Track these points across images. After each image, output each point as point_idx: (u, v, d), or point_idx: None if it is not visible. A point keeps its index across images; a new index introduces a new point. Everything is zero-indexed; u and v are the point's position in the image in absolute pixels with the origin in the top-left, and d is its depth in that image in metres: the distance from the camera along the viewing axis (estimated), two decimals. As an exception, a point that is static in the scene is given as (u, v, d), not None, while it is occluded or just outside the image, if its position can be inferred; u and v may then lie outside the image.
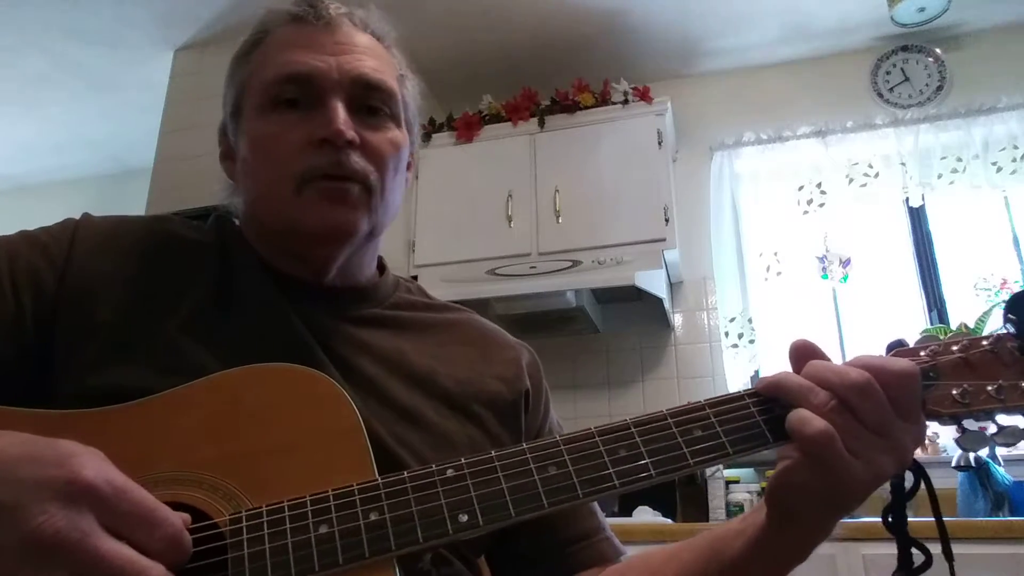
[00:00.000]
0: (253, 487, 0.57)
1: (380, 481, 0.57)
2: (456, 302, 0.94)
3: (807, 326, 2.97)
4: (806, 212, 3.04)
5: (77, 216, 0.79)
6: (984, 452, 2.34)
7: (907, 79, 3.08)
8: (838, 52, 3.18)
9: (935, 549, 0.60)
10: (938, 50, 3.06)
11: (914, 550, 0.60)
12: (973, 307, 2.68)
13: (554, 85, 3.12)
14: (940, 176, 2.92)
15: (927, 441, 2.55)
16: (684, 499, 2.61)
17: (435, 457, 0.70)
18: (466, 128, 3.14)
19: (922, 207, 3.00)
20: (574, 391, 3.07)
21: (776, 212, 3.09)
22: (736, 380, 2.90)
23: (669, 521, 2.48)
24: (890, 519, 0.61)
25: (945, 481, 2.41)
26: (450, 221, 3.01)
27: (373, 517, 0.54)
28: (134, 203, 3.08)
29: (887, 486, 0.60)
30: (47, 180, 4.22)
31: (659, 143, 2.93)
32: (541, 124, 3.08)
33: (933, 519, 0.62)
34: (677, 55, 3.26)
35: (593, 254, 2.82)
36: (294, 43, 0.78)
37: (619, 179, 2.91)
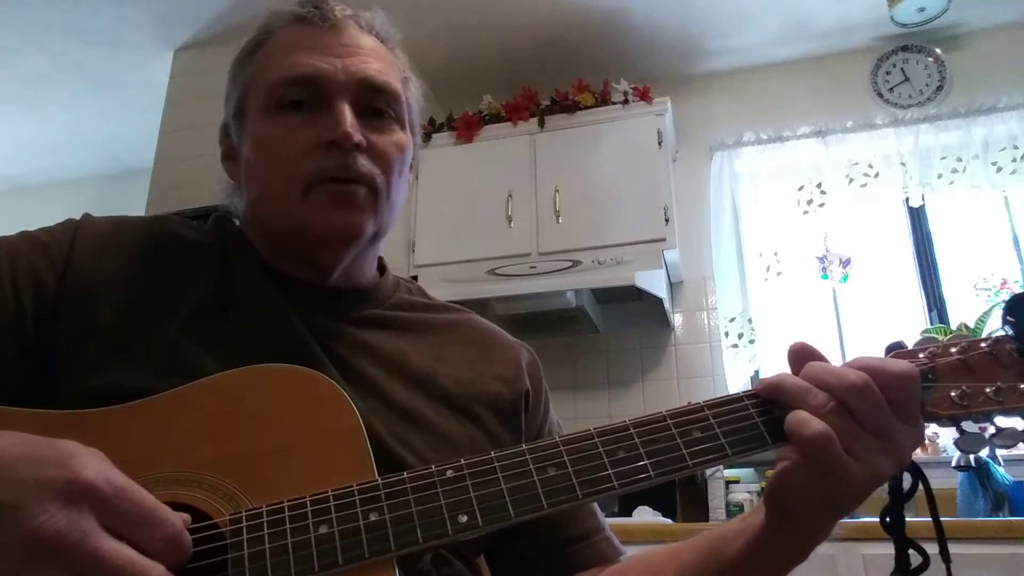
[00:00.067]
0: (253, 487, 0.57)
1: (380, 482, 0.57)
2: (456, 302, 0.94)
3: (807, 326, 2.97)
4: (806, 212, 3.04)
5: (77, 216, 0.79)
6: (984, 452, 2.35)
7: (907, 79, 3.08)
8: (838, 52, 3.18)
9: (934, 549, 0.61)
10: (938, 50, 3.07)
11: (912, 551, 0.60)
12: (973, 307, 2.68)
13: (554, 85, 3.12)
14: (940, 176, 2.92)
15: (927, 441, 2.55)
16: (684, 499, 2.61)
17: (436, 457, 0.70)
18: (466, 128, 3.14)
19: (922, 207, 3.00)
20: (574, 391, 3.07)
21: (776, 212, 3.09)
22: (736, 380, 2.90)
23: (669, 521, 2.48)
24: (888, 520, 0.61)
25: (945, 481, 2.41)
26: (450, 221, 3.01)
27: (373, 517, 0.54)
28: (134, 203, 3.08)
29: (886, 487, 0.60)
30: (47, 180, 4.22)
31: (659, 143, 2.93)
32: (541, 124, 3.08)
33: (933, 501, 0.62)
34: (677, 55, 3.26)
35: (593, 254, 2.83)
36: (299, 45, 0.78)
37: (619, 179, 2.91)
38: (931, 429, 0.61)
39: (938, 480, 2.40)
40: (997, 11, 2.97)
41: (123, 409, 0.62)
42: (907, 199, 2.98)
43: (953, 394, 0.59)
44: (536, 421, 0.86)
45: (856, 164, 3.02)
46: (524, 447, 0.59)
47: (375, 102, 0.78)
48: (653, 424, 0.59)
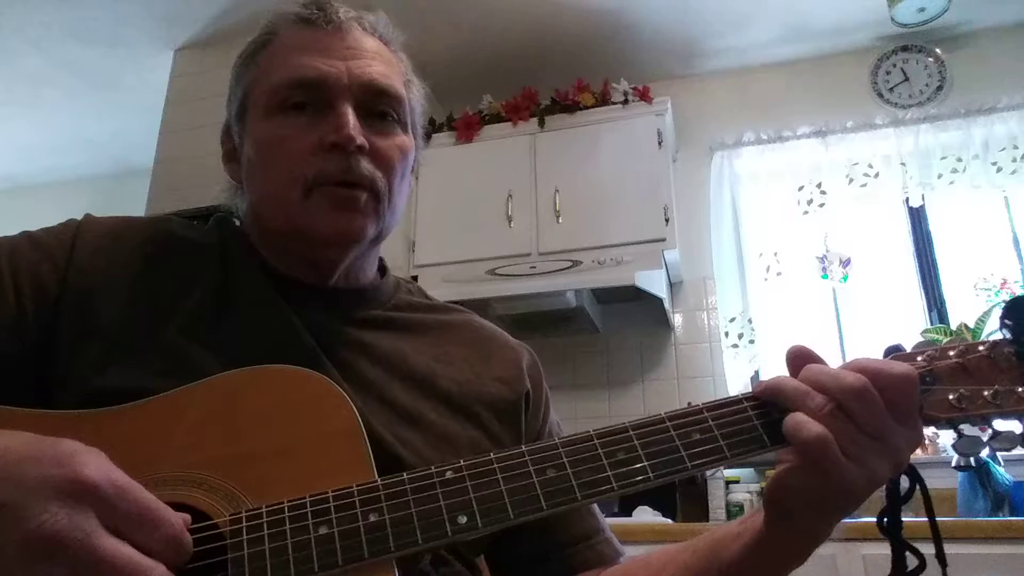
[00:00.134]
0: (253, 488, 0.57)
1: (379, 482, 0.57)
2: (456, 302, 0.94)
3: (807, 326, 2.97)
4: (806, 212, 3.04)
5: (78, 216, 0.79)
6: (984, 453, 2.35)
7: (907, 79, 3.08)
8: (838, 52, 3.18)
9: (932, 549, 0.61)
10: (938, 50, 3.07)
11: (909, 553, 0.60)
12: (973, 307, 2.68)
13: (554, 85, 3.12)
14: (940, 176, 2.92)
15: (927, 441, 2.55)
16: (684, 499, 2.61)
17: (436, 458, 0.70)
18: (466, 128, 3.14)
19: (922, 207, 3.01)
20: (574, 391, 3.07)
21: (776, 212, 3.09)
22: (736, 380, 2.90)
23: (669, 521, 2.48)
24: (885, 522, 0.61)
25: (945, 481, 2.42)
26: (450, 221, 3.02)
27: (372, 518, 0.54)
28: (134, 203, 3.07)
29: (885, 489, 0.61)
30: (47, 180, 4.22)
31: (659, 143, 2.93)
32: (541, 124, 3.08)
33: (930, 504, 0.62)
34: (677, 55, 3.26)
35: (593, 254, 2.83)
36: (303, 46, 0.78)
37: (619, 179, 2.91)
38: (931, 429, 0.61)
39: (938, 480, 2.41)
40: (997, 11, 2.97)
41: (124, 409, 0.62)
42: (907, 199, 2.98)
43: (951, 397, 0.59)
44: (536, 422, 0.86)
45: (856, 164, 3.02)
46: (523, 448, 0.59)
47: (378, 105, 0.78)
48: (652, 426, 0.60)
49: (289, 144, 0.75)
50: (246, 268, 0.78)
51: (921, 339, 2.62)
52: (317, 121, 0.75)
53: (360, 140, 0.74)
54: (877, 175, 2.99)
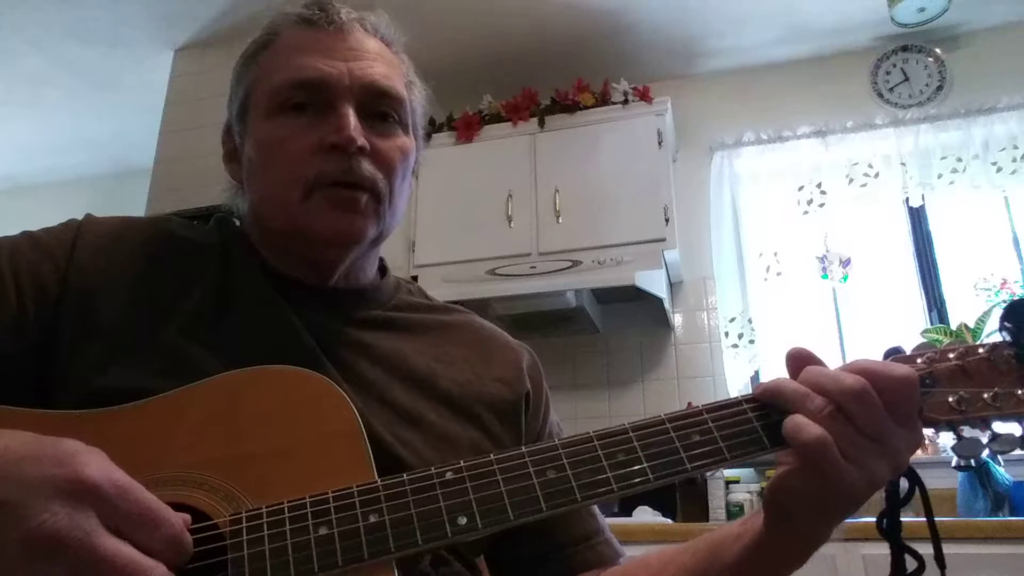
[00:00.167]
0: (253, 488, 0.57)
1: (379, 483, 0.57)
2: (456, 302, 0.94)
3: (807, 326, 2.97)
4: (806, 212, 3.04)
5: (78, 216, 0.79)
6: (984, 454, 2.34)
7: (907, 79, 3.08)
8: (838, 52, 3.18)
9: (931, 549, 0.61)
10: (938, 50, 3.07)
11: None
12: (973, 307, 2.68)
13: (554, 85, 3.12)
14: (940, 176, 2.92)
15: (927, 441, 2.55)
16: (684, 499, 2.61)
17: (436, 458, 0.70)
18: (466, 128, 3.14)
19: (922, 207, 3.00)
20: (574, 391, 3.07)
21: (776, 212, 3.09)
22: (736, 380, 2.90)
23: (669, 521, 2.48)
24: (884, 525, 0.61)
25: (945, 481, 2.42)
26: (450, 221, 3.02)
27: (372, 519, 0.55)
28: (134, 203, 3.08)
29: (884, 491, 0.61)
30: (47, 180, 4.22)
31: (659, 143, 2.93)
32: (541, 124, 3.08)
33: (929, 507, 0.62)
34: (677, 55, 3.26)
35: (593, 254, 2.83)
36: (305, 47, 0.78)
37: (619, 179, 2.91)
38: (931, 430, 0.61)
39: (938, 480, 2.41)
40: (997, 11, 2.97)
41: (125, 409, 0.62)
42: (907, 199, 2.98)
43: (951, 399, 0.59)
44: (536, 423, 0.86)
45: (856, 164, 3.02)
46: (524, 449, 0.59)
47: (379, 106, 0.78)
48: (652, 427, 0.60)
49: (290, 145, 0.75)
50: (246, 268, 0.78)
51: (921, 339, 2.62)
52: (318, 122, 0.75)
53: (361, 141, 0.74)
54: (877, 175, 2.99)
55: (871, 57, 3.13)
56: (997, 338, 0.61)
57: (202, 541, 0.53)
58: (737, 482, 2.66)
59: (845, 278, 3.01)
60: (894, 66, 3.10)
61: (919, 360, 0.61)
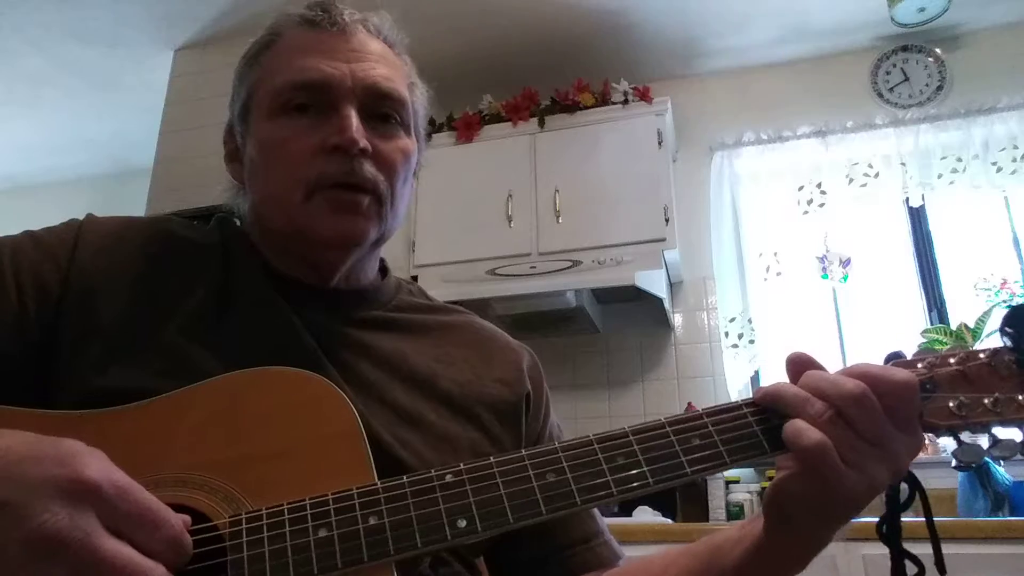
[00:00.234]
0: (253, 490, 0.57)
1: (379, 485, 0.57)
2: (456, 302, 0.94)
3: (807, 326, 2.97)
4: (806, 212, 3.04)
5: (79, 216, 0.79)
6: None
7: (907, 79, 3.08)
8: (838, 52, 3.18)
9: (929, 549, 0.61)
10: (938, 50, 3.07)
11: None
12: (973, 307, 2.68)
13: (554, 85, 3.12)
14: (940, 176, 2.92)
15: (927, 441, 2.55)
16: (684, 499, 2.61)
17: (436, 459, 0.71)
18: (466, 128, 3.14)
19: (922, 207, 3.01)
20: (574, 391, 3.07)
21: (776, 212, 3.09)
22: (736, 380, 2.90)
23: (669, 521, 2.48)
24: (884, 530, 0.61)
25: (945, 481, 2.42)
26: (450, 221, 3.02)
27: (372, 521, 0.54)
28: (134, 203, 3.08)
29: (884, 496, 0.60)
30: (47, 180, 4.22)
31: (659, 143, 2.93)
32: (541, 124, 3.08)
33: (931, 513, 0.62)
34: (677, 55, 3.26)
35: (593, 254, 2.83)
36: (308, 48, 0.78)
37: (619, 179, 2.91)
38: (931, 434, 0.61)
39: (938, 480, 2.41)
40: (997, 11, 2.97)
41: (125, 410, 0.62)
42: (907, 199, 2.98)
43: (951, 404, 0.59)
44: (537, 424, 0.86)
45: (856, 164, 3.02)
46: (524, 452, 0.59)
47: (381, 108, 0.78)
48: (652, 431, 0.59)
49: (291, 146, 0.75)
50: (247, 268, 0.78)
51: (921, 339, 2.62)
52: (320, 123, 0.75)
53: (363, 143, 0.74)
54: (877, 175, 2.99)
55: (871, 57, 3.13)
56: (998, 343, 0.61)
57: (202, 542, 0.53)
58: (737, 482, 2.66)
59: (845, 278, 3.01)
60: (894, 66, 3.10)
61: (920, 365, 0.61)
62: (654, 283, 2.81)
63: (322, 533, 0.54)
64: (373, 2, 0.89)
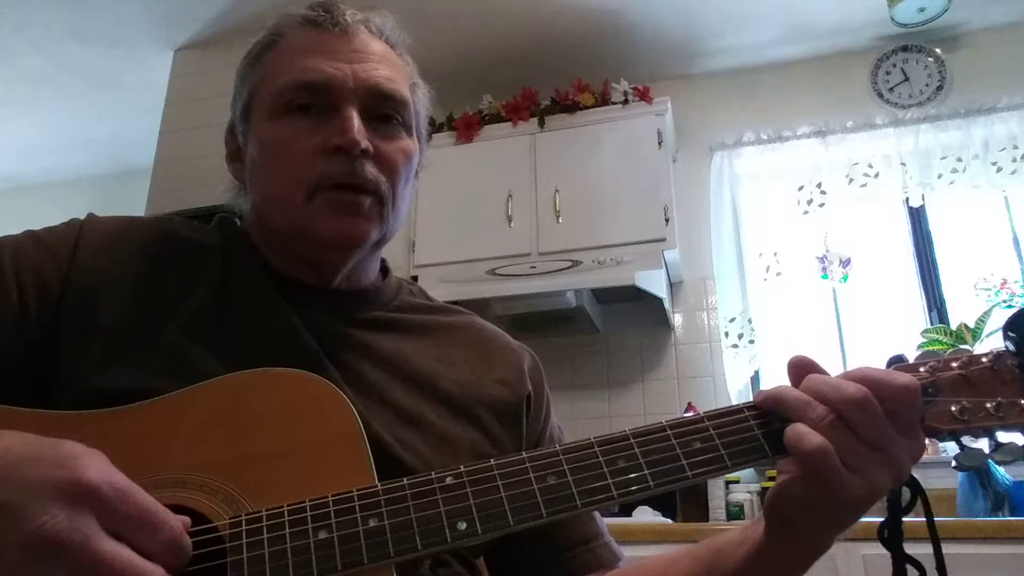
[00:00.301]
0: (254, 491, 0.57)
1: (380, 487, 0.57)
2: (456, 302, 0.94)
3: (807, 326, 2.97)
4: (806, 212, 3.04)
5: (80, 216, 0.79)
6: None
7: (907, 79, 3.08)
8: (838, 52, 3.18)
9: (931, 550, 0.61)
10: (938, 50, 3.06)
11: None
12: (973, 307, 2.68)
13: (554, 85, 3.12)
14: (940, 176, 2.92)
15: (927, 441, 2.54)
16: (684, 499, 2.61)
17: (436, 459, 0.70)
18: (466, 128, 3.14)
19: (922, 207, 3.01)
20: (573, 391, 3.07)
21: (776, 212, 3.09)
22: (736, 380, 2.90)
23: (669, 521, 2.48)
24: (886, 534, 0.61)
25: (945, 481, 2.42)
26: (450, 221, 3.01)
27: (372, 523, 0.54)
28: (134, 203, 3.08)
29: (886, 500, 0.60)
30: (47, 180, 4.22)
31: (659, 143, 2.93)
32: (541, 124, 3.08)
33: (933, 518, 0.62)
34: (677, 55, 3.26)
35: (593, 254, 2.82)
36: (310, 49, 0.78)
37: (619, 179, 2.91)
38: (933, 439, 0.61)
39: (938, 480, 2.41)
40: (997, 11, 2.97)
41: (126, 411, 0.62)
42: (907, 199, 2.98)
43: (953, 409, 0.59)
44: (537, 424, 0.86)
45: (856, 164, 3.02)
46: (524, 455, 0.59)
47: (383, 108, 0.78)
48: (653, 434, 0.59)
49: (293, 146, 0.75)
50: (247, 268, 0.78)
51: (921, 339, 2.62)
52: (322, 124, 0.75)
53: (364, 144, 0.74)
54: (877, 175, 2.99)
55: (871, 57, 3.13)
56: (999, 345, 0.60)
57: (201, 544, 0.53)
58: (737, 482, 2.66)
59: (845, 278, 3.01)
60: (894, 66, 3.10)
61: (922, 369, 0.61)
62: (654, 283, 2.81)
63: (322, 535, 0.54)
64: (375, 2, 0.88)
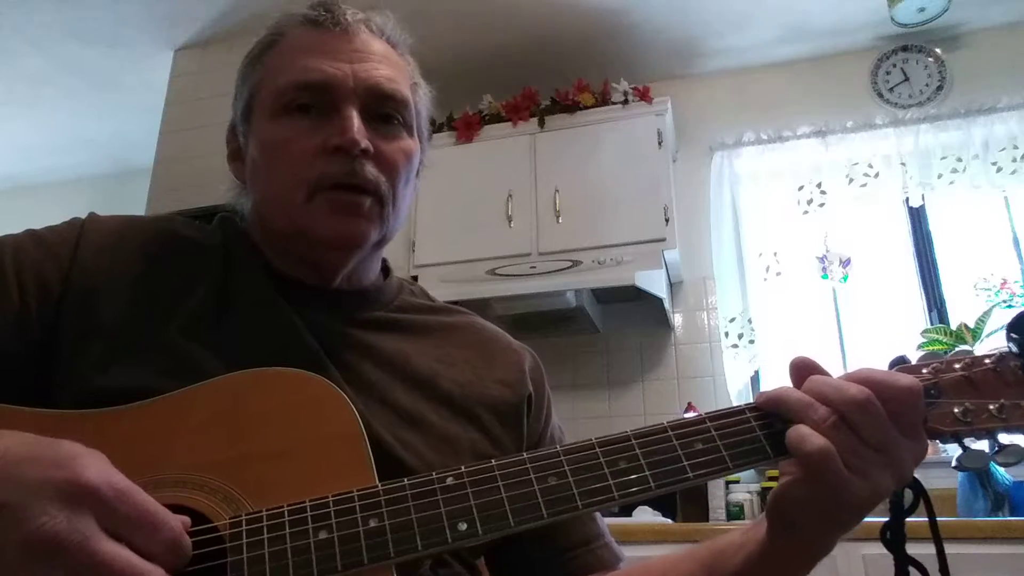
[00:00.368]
0: (254, 491, 0.57)
1: (380, 488, 0.57)
2: (456, 302, 0.94)
3: (807, 326, 2.97)
4: (806, 212, 3.04)
5: (81, 216, 0.79)
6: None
7: (907, 79, 3.08)
8: (838, 52, 3.18)
9: (932, 549, 0.60)
10: (938, 50, 3.06)
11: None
12: (973, 307, 2.68)
13: (554, 85, 3.12)
14: (940, 176, 2.92)
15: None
16: (684, 499, 2.61)
17: (436, 459, 0.70)
18: (466, 128, 3.14)
19: (922, 207, 3.01)
20: (574, 391, 3.07)
21: (776, 212, 3.09)
22: (736, 380, 2.90)
23: (669, 521, 2.48)
24: (888, 536, 0.61)
25: (945, 481, 2.41)
26: (450, 221, 3.01)
27: (372, 524, 0.54)
28: (134, 203, 3.07)
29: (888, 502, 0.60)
30: (47, 180, 4.22)
31: (659, 143, 2.93)
32: (541, 124, 3.08)
33: (936, 521, 0.62)
34: (677, 55, 3.26)
35: (593, 254, 2.82)
36: (310, 48, 0.78)
37: (619, 179, 2.91)
38: (936, 440, 0.61)
39: (938, 480, 2.41)
40: (997, 11, 2.97)
41: (126, 410, 0.62)
42: (907, 199, 2.98)
43: (956, 410, 0.59)
44: (538, 425, 0.86)
45: (856, 164, 3.02)
46: (525, 456, 0.59)
47: (383, 108, 0.78)
48: (655, 435, 0.59)
49: (293, 146, 0.75)
50: (248, 268, 0.78)
51: (921, 339, 2.62)
52: (322, 124, 0.75)
53: (364, 143, 0.74)
54: (877, 175, 2.99)
55: (871, 57, 3.13)
56: (1000, 345, 0.60)
57: (201, 544, 0.53)
58: (737, 482, 2.66)
59: (845, 278, 3.01)
60: (894, 66, 3.10)
61: (924, 370, 0.60)
62: (654, 283, 2.81)
63: (322, 535, 0.54)
64: (376, 2, 0.88)
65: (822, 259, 3.04)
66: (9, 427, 0.51)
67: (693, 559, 0.69)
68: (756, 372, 2.93)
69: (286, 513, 0.55)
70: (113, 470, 0.49)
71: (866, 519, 0.57)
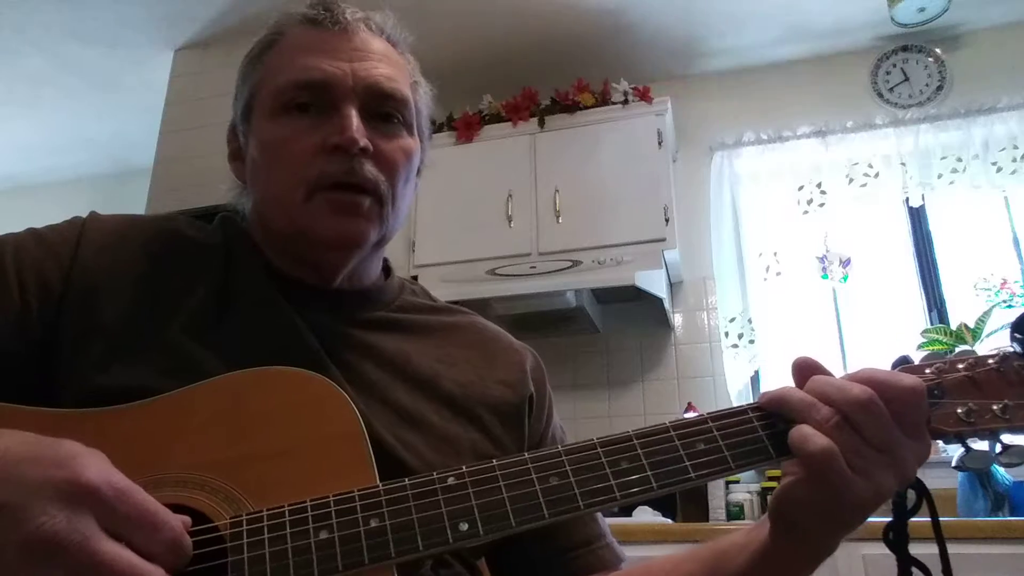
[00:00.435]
0: (255, 490, 0.57)
1: (381, 488, 0.57)
2: (456, 302, 0.94)
3: (807, 326, 2.97)
4: (806, 212, 3.04)
5: (81, 215, 0.78)
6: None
7: (907, 79, 3.08)
8: (838, 52, 3.18)
9: (934, 549, 0.60)
10: (938, 50, 3.07)
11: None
12: (973, 307, 2.68)
13: (554, 85, 3.12)
14: (940, 176, 2.92)
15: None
16: (684, 499, 2.61)
17: (438, 460, 0.70)
18: (466, 128, 3.13)
19: (922, 207, 3.00)
20: (574, 391, 3.07)
21: (776, 212, 3.09)
22: (736, 380, 2.90)
23: (669, 521, 2.48)
24: (891, 536, 0.60)
25: (945, 481, 2.41)
26: (450, 221, 3.01)
27: (373, 524, 0.54)
28: (134, 203, 3.07)
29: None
30: (47, 180, 4.22)
31: (659, 143, 2.93)
32: (541, 124, 3.07)
33: (937, 521, 0.62)
34: (677, 55, 3.26)
35: (593, 254, 2.82)
36: (309, 47, 0.78)
37: (619, 179, 2.91)
38: (939, 441, 0.61)
39: (938, 480, 2.40)
40: (997, 11, 2.97)
41: (126, 409, 0.62)
42: (907, 199, 2.98)
43: (959, 411, 0.58)
44: (540, 425, 0.86)
45: (856, 164, 3.02)
46: (526, 456, 0.59)
47: (383, 107, 0.78)
48: (656, 435, 0.59)
49: (292, 145, 0.75)
50: (248, 268, 0.78)
51: (921, 339, 2.62)
52: (321, 123, 0.75)
53: (363, 142, 0.74)
54: (877, 175, 2.99)
55: (871, 57, 3.13)
56: (1000, 345, 0.60)
57: (202, 544, 0.53)
58: (737, 482, 2.66)
59: (845, 278, 3.01)
60: (894, 66, 3.10)
61: (927, 370, 0.60)
62: (654, 283, 2.81)
63: (323, 535, 0.54)
64: (376, 1, 0.88)
65: (822, 259, 3.04)
66: (9, 426, 0.51)
67: (695, 560, 0.69)
68: (756, 372, 2.93)
69: (287, 513, 0.55)
70: (113, 470, 0.49)
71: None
